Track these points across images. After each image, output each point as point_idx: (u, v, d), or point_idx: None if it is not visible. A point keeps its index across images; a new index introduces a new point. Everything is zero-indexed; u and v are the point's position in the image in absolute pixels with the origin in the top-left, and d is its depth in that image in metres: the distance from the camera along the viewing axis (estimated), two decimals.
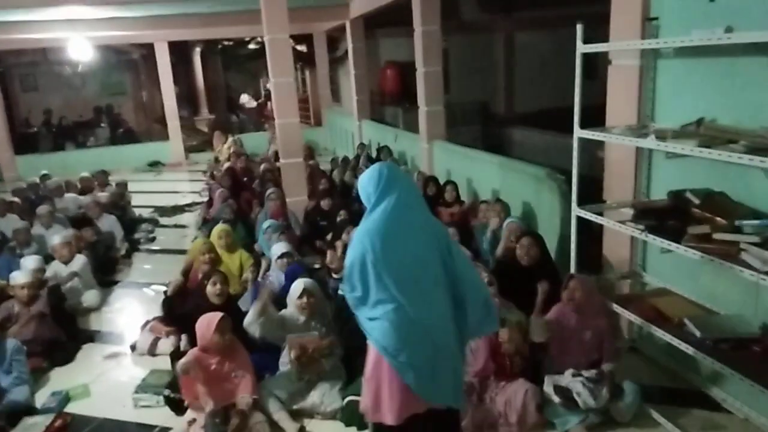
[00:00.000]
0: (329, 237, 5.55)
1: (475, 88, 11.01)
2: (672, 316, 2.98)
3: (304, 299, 3.53)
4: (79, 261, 5.37)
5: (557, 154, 6.96)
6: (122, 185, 8.66)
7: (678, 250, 2.67)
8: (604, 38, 3.47)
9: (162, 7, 9.16)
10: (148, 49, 14.09)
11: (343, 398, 3.32)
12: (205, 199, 8.44)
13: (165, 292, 4.93)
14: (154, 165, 13.50)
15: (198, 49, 17.83)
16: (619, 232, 3.21)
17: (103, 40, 12.37)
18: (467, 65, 11.14)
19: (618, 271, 3.81)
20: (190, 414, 3.33)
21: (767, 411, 2.93)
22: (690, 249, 2.60)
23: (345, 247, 4.09)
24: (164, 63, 13.29)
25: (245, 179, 8.32)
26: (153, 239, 7.48)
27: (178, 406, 3.44)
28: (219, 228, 5.18)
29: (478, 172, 6.07)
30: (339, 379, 3.48)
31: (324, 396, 3.36)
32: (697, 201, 2.80)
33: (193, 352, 3.23)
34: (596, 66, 4.96)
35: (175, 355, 3.95)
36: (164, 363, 4.06)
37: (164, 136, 14.18)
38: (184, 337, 4.08)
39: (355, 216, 6.07)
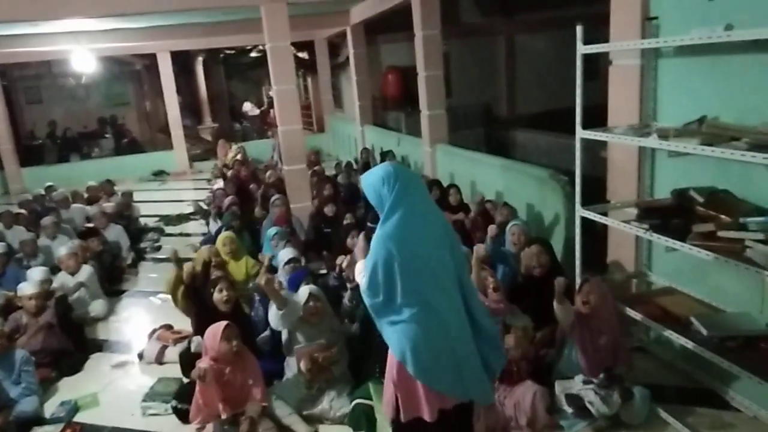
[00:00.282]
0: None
1: (477, 91, 11.02)
2: (678, 315, 2.98)
3: (311, 304, 3.55)
4: (86, 271, 5.40)
5: (560, 155, 6.96)
6: (128, 195, 8.70)
7: (683, 249, 2.67)
8: (605, 39, 3.48)
9: (164, 18, 9.22)
10: (151, 60, 14.17)
11: (351, 402, 3.33)
12: (208, 206, 8.46)
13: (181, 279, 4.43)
14: (159, 174, 13.56)
15: (200, 59, 17.90)
16: (624, 231, 3.21)
17: (106, 51, 12.43)
18: (468, 68, 11.14)
19: (623, 271, 3.80)
20: (198, 422, 3.34)
21: None
22: (695, 247, 2.60)
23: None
24: (167, 73, 13.36)
25: (250, 186, 8.34)
26: (159, 248, 7.51)
27: (186, 417, 3.44)
28: (224, 235, 5.19)
29: (481, 175, 6.08)
30: (347, 384, 3.49)
31: (333, 402, 3.38)
32: (701, 199, 2.80)
33: (205, 362, 3.23)
34: (597, 66, 4.97)
35: (185, 356, 3.96)
36: (172, 371, 4.08)
37: (168, 146, 14.24)
38: (194, 339, 4.08)
39: (360, 221, 6.09)
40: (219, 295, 3.82)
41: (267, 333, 3.92)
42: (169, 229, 8.42)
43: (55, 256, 5.62)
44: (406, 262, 2.17)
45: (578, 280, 3.46)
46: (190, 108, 17.99)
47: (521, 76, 11.38)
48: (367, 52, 11.03)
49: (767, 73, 2.70)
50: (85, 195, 8.85)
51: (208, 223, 7.60)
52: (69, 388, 4.11)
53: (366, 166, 8.69)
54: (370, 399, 3.23)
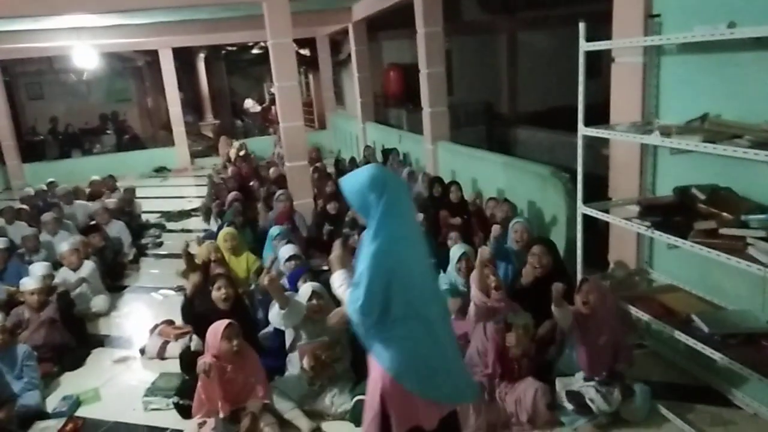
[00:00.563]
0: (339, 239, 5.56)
1: (479, 89, 11.01)
2: (680, 313, 2.99)
3: (314, 301, 3.56)
4: (88, 267, 5.41)
5: (562, 152, 6.96)
6: (130, 191, 8.72)
7: (684, 246, 2.67)
8: (607, 36, 3.48)
9: (166, 14, 9.23)
10: (153, 56, 14.18)
11: (352, 398, 3.33)
12: (206, 201, 8.47)
13: (184, 294, 4.70)
14: (160, 171, 13.56)
15: (202, 55, 17.91)
16: (626, 229, 3.21)
17: (108, 47, 12.44)
18: (470, 66, 11.15)
19: (625, 269, 3.80)
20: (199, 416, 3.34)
21: None
22: (697, 245, 2.60)
23: (353, 250, 4.08)
24: (169, 69, 13.37)
25: (252, 183, 8.35)
26: (160, 244, 7.52)
27: (187, 413, 3.45)
28: (224, 231, 5.20)
29: (482, 172, 6.08)
30: (349, 380, 3.50)
31: (334, 398, 3.39)
32: (702, 196, 2.80)
33: (207, 359, 3.23)
34: (600, 64, 4.96)
35: (185, 355, 3.98)
36: (173, 366, 4.08)
37: (170, 142, 14.25)
38: (194, 337, 4.09)
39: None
40: (217, 293, 3.81)
41: (269, 329, 3.92)
42: (170, 226, 8.43)
43: (57, 251, 5.63)
44: (403, 277, 2.11)
45: (579, 278, 3.47)
46: (192, 104, 18.01)
47: (523, 73, 11.38)
48: (368, 49, 11.02)
49: None
50: (87, 190, 8.85)
51: (208, 220, 7.60)
52: (71, 383, 4.12)
53: (367, 164, 8.71)
54: None
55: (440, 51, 7.06)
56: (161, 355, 4.33)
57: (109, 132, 15.99)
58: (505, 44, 11.40)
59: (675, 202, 2.98)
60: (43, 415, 3.63)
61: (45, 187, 8.98)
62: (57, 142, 15.17)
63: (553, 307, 3.17)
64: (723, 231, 2.56)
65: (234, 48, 17.58)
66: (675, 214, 2.85)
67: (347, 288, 2.21)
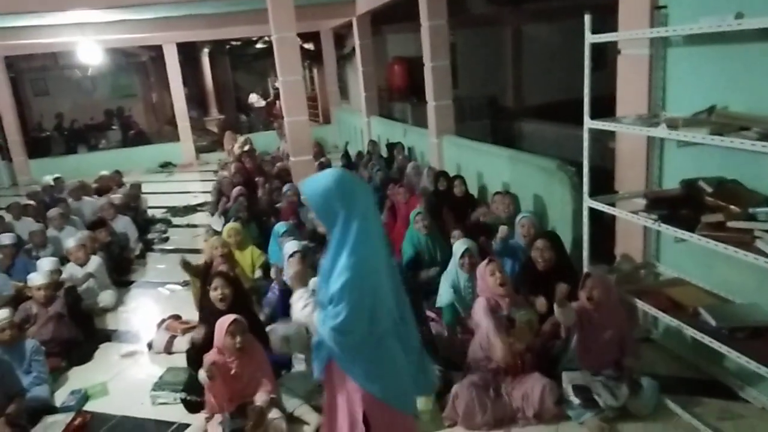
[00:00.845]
0: None
1: (484, 82, 10.98)
2: (687, 306, 2.97)
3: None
4: (94, 262, 5.43)
5: (568, 146, 6.93)
6: (136, 186, 8.75)
7: (692, 240, 2.66)
8: (613, 28, 3.46)
9: (170, 9, 9.22)
10: (157, 51, 14.19)
11: None
12: (213, 199, 8.47)
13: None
14: (166, 166, 13.60)
15: (206, 50, 17.90)
16: (632, 222, 3.19)
17: (112, 43, 12.46)
18: (475, 59, 11.10)
19: (631, 262, 3.79)
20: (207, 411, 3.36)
21: None
22: (704, 238, 2.59)
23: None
24: (173, 64, 13.39)
25: (256, 179, 8.35)
26: (166, 239, 7.54)
27: (194, 408, 3.47)
28: (229, 226, 5.21)
29: (488, 166, 6.06)
30: None
31: None
32: (710, 189, 2.78)
33: (212, 355, 3.25)
34: (605, 56, 4.93)
35: (192, 353, 3.99)
36: (181, 361, 4.10)
37: (175, 138, 14.28)
38: (197, 330, 4.08)
39: None
40: (214, 294, 3.79)
41: (274, 326, 3.93)
42: (176, 221, 8.45)
43: (64, 247, 5.66)
44: (381, 291, 2.01)
45: (585, 271, 3.46)
46: (197, 100, 18.03)
47: (528, 66, 11.32)
48: (373, 42, 10.99)
49: None
50: (95, 186, 8.87)
51: (212, 214, 7.62)
52: (79, 378, 4.15)
53: (372, 158, 8.68)
54: None
55: (445, 44, 7.03)
56: (168, 350, 4.35)
57: (114, 128, 16.06)
58: (510, 37, 11.33)
59: (682, 194, 2.96)
60: (51, 410, 3.65)
61: (52, 183, 9.01)
62: (63, 138, 15.25)
63: (555, 307, 3.17)
64: (730, 224, 2.54)
65: (238, 43, 17.57)
66: (682, 207, 2.83)
67: (314, 307, 2.09)
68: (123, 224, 6.88)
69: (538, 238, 3.90)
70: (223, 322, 3.22)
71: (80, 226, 6.74)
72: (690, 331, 2.79)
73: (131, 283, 6.06)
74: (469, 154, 6.54)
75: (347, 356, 2.04)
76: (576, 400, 3.03)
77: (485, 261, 3.41)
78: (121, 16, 9.74)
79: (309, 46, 15.15)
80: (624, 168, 3.83)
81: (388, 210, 6.09)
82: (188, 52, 16.28)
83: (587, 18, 3.15)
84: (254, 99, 18.94)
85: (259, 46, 17.32)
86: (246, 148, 10.36)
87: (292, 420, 3.27)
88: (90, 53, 11.38)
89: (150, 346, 4.47)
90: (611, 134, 3.93)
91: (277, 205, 6.59)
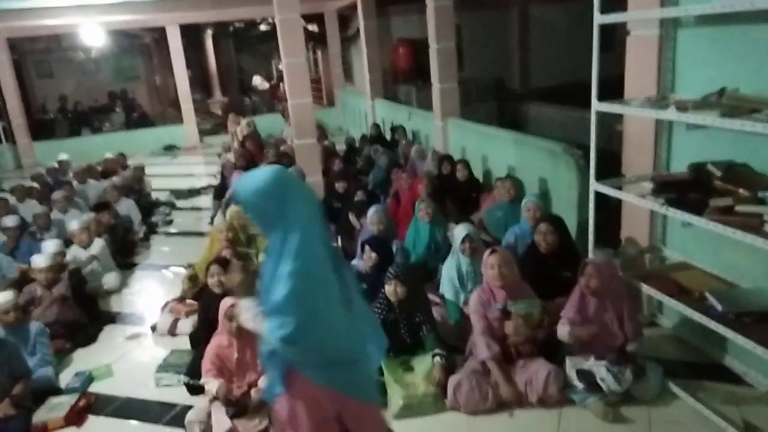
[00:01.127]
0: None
1: (490, 64, 10.84)
2: (693, 290, 2.94)
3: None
4: (98, 245, 5.43)
5: (575, 128, 6.86)
6: (139, 169, 8.74)
7: (699, 224, 2.62)
8: (622, 8, 3.39)
9: None
10: (160, 33, 14.10)
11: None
12: (216, 182, 8.45)
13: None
14: (170, 149, 13.57)
15: (209, 32, 17.80)
16: (638, 206, 3.16)
17: (115, 24, 12.38)
18: (481, 40, 10.96)
19: (637, 246, 3.76)
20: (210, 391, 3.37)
21: None
22: (712, 222, 2.55)
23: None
24: (176, 47, 13.31)
25: (260, 162, 8.32)
26: (170, 222, 7.54)
27: (197, 392, 3.48)
28: (234, 210, 5.19)
29: (493, 149, 6.01)
30: None
31: None
32: (719, 173, 2.73)
33: (214, 347, 3.26)
34: (614, 37, 4.84)
35: (195, 336, 4.00)
36: (184, 343, 4.12)
37: (178, 120, 14.24)
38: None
39: (373, 197, 6.08)
40: (212, 280, 3.81)
41: None
42: (180, 203, 8.45)
43: (68, 229, 5.67)
44: (329, 296, 1.93)
45: (590, 255, 3.43)
46: (200, 82, 17.97)
47: (535, 48, 11.16)
48: (377, 24, 10.87)
49: None
50: (100, 168, 8.86)
51: (216, 197, 7.58)
52: (83, 359, 4.17)
53: (375, 141, 8.63)
54: (380, 374, 3.25)
55: (450, 25, 6.92)
56: (172, 332, 4.37)
57: (118, 110, 16.00)
58: (517, 18, 11.17)
59: (690, 178, 2.91)
60: (56, 391, 3.67)
61: (56, 165, 9.01)
62: (66, 120, 15.21)
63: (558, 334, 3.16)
64: (739, 208, 2.50)
65: (242, 25, 17.45)
66: (690, 190, 2.79)
67: (263, 317, 1.95)
68: (127, 207, 6.88)
69: (541, 222, 3.86)
70: (224, 305, 3.24)
71: (84, 209, 6.74)
72: (696, 316, 2.76)
73: (135, 265, 6.07)
74: (474, 138, 6.48)
75: (304, 362, 1.97)
76: (580, 385, 3.02)
77: (489, 250, 3.37)
78: None
79: (313, 27, 15.01)
80: (631, 151, 3.78)
81: (393, 194, 6.07)
82: (191, 34, 16.16)
83: None
84: (258, 81, 18.85)
85: (262, 27, 17.20)
86: (249, 131, 10.29)
87: None
88: (93, 35, 11.34)
89: (154, 328, 4.49)
90: (618, 117, 3.87)
91: None
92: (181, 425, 3.19)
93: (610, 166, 3.70)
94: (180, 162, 12.41)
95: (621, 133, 3.94)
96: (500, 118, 9.59)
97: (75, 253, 5.29)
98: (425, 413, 3.11)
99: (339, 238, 5.50)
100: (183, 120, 13.93)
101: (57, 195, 6.63)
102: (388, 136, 8.97)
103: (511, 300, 3.23)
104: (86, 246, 5.37)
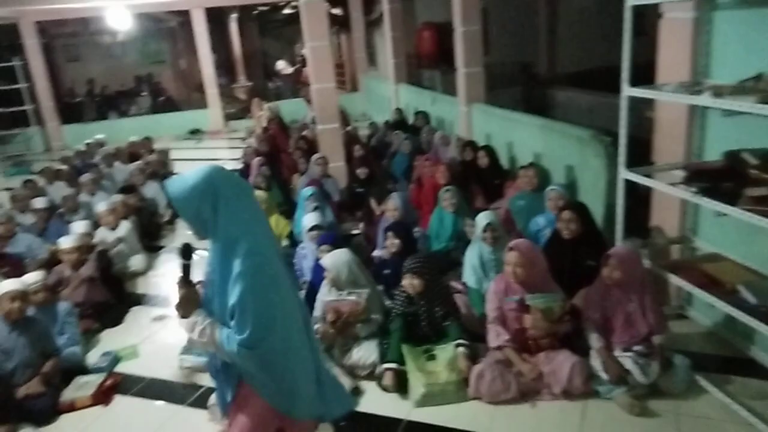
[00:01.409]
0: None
1: (516, 48, 10.64)
2: (724, 282, 2.86)
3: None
4: (125, 227, 5.51)
5: (604, 115, 6.71)
6: (164, 153, 8.82)
7: (734, 214, 2.54)
8: None
9: None
10: (185, 17, 14.14)
11: (381, 361, 3.34)
12: (240, 166, 8.48)
13: None
14: (195, 133, 13.68)
15: (234, 16, 17.77)
16: (669, 195, 3.07)
17: (141, 8, 12.46)
18: (507, 24, 10.76)
19: (666, 236, 3.67)
20: None
21: None
22: (746, 212, 2.47)
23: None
24: (201, 30, 13.34)
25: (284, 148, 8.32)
26: None
27: None
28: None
29: (519, 136, 5.91)
30: (374, 338, 3.49)
31: (361, 353, 3.40)
32: (754, 161, 2.64)
33: None
34: (645, 20, 4.70)
35: None
36: None
37: (203, 104, 14.32)
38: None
39: (393, 182, 6.06)
40: None
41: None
42: None
43: (95, 211, 5.75)
44: (284, 292, 1.89)
45: (617, 245, 3.36)
46: (225, 66, 17.98)
47: (563, 31, 10.91)
48: (402, 7, 10.74)
49: None
50: (127, 151, 8.97)
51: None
52: (110, 340, 4.25)
53: (397, 126, 8.55)
54: (402, 363, 3.25)
55: (476, 8, 6.80)
56: None
57: (144, 94, 16.16)
58: (545, 0, 10.94)
59: (724, 167, 2.82)
60: (83, 370, 3.75)
61: (83, 148, 9.14)
62: (94, 104, 15.42)
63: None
64: None
65: (266, 8, 17.39)
66: (724, 179, 2.71)
67: (218, 327, 1.86)
68: (153, 190, 6.96)
69: (564, 209, 3.81)
70: None
71: (112, 192, 6.84)
72: (728, 309, 2.69)
73: (161, 248, 6.15)
74: (499, 124, 6.39)
75: (261, 373, 1.88)
76: (605, 376, 2.97)
77: (509, 246, 3.30)
78: None
79: (337, 11, 14.90)
80: (663, 138, 3.68)
81: (415, 180, 6.02)
82: (216, 18, 16.17)
83: None
84: (282, 66, 18.81)
85: (286, 11, 17.12)
86: (272, 115, 10.30)
87: None
88: (119, 18, 11.41)
89: None
90: (649, 103, 3.76)
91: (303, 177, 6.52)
92: (205, 407, 3.22)
93: (640, 154, 3.60)
94: (205, 146, 12.50)
95: (651, 120, 3.83)
96: (526, 103, 9.41)
97: (102, 235, 5.37)
98: (447, 401, 3.10)
99: (361, 225, 5.49)
100: (208, 104, 14.01)
101: (85, 178, 6.73)
102: (412, 122, 8.88)
103: (530, 293, 3.18)
104: (113, 228, 5.45)
